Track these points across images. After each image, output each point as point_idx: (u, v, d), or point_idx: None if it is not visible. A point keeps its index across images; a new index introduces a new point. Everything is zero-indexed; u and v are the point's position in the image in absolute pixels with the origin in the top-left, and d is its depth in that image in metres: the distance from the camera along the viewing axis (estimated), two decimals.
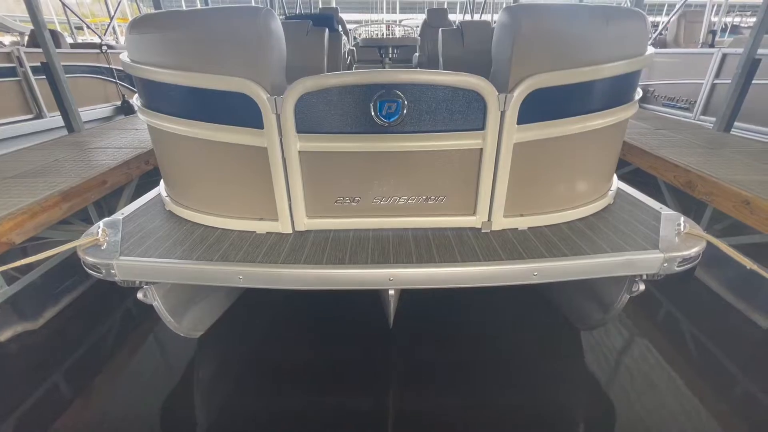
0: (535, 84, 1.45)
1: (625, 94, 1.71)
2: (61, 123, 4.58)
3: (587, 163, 1.74)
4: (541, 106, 1.50)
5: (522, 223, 1.71)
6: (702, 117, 4.58)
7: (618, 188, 2.06)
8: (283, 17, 6.32)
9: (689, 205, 2.88)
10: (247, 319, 2.28)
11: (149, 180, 3.07)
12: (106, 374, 1.97)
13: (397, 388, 1.91)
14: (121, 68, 5.66)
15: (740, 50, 3.53)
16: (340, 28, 3.92)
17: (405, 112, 1.46)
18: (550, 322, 2.27)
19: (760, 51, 3.38)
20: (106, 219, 1.78)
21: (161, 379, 1.97)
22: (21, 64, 4.46)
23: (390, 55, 2.52)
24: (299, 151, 1.53)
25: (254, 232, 1.71)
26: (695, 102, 4.67)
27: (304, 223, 1.68)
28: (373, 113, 1.47)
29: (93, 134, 3.56)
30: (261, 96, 1.44)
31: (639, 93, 1.85)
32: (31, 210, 2.04)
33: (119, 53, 5.88)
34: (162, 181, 2.05)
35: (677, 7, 5.41)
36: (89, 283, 1.72)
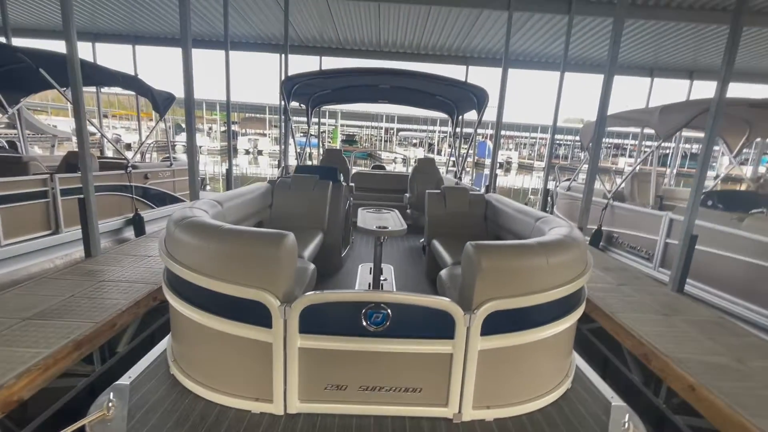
0: (494, 307, 1.82)
1: (571, 305, 2.09)
2: (76, 236, 4.95)
3: (544, 360, 2.05)
4: (500, 322, 1.86)
5: (489, 414, 1.94)
6: (660, 269, 5.12)
7: (576, 367, 2.34)
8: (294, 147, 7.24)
9: (650, 371, 3.12)
10: None
11: (152, 310, 3.28)
12: None
13: None
14: (139, 185, 6.26)
15: (682, 218, 4.15)
16: (342, 178, 4.61)
17: (389, 323, 1.80)
18: None
19: (698, 222, 4.01)
20: (115, 385, 1.97)
21: None
22: (53, 185, 4.94)
23: (382, 240, 2.99)
24: (299, 348, 1.82)
25: (250, 411, 1.90)
26: (654, 254, 5.25)
27: (296, 406, 1.89)
28: (363, 322, 1.80)
29: (108, 261, 3.87)
30: (273, 304, 1.78)
31: (585, 294, 2.25)
32: (45, 364, 2.21)
33: (140, 172, 6.48)
34: (170, 339, 2.28)
35: (631, 170, 6.46)
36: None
